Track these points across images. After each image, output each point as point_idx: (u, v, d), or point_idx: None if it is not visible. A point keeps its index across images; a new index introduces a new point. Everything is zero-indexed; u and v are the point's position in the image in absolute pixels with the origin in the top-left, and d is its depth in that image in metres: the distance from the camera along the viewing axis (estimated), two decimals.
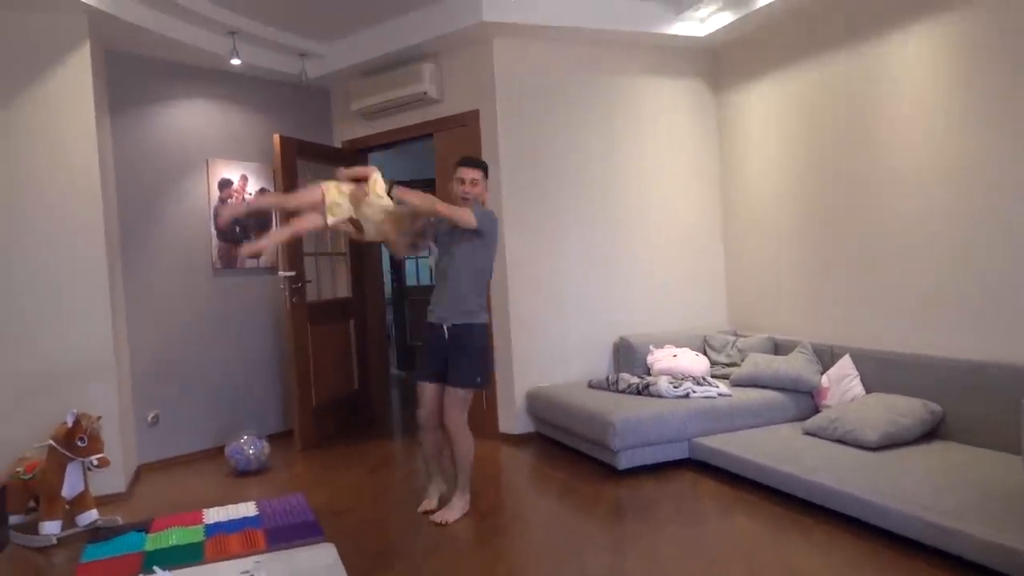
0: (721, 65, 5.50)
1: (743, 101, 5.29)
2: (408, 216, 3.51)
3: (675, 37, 5.16)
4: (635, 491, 3.80)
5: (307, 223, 3.47)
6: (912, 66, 3.99)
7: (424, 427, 3.61)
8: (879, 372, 4.09)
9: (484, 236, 3.50)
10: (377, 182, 3.48)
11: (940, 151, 3.87)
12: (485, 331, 3.60)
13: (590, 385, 4.71)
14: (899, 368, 3.98)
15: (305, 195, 3.52)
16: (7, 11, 3.92)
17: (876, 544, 2.94)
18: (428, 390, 3.58)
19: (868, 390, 4.12)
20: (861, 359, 4.22)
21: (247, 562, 3.09)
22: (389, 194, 3.44)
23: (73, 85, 4.06)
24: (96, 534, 3.56)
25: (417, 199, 3.33)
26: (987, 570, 2.60)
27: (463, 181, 3.57)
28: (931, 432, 3.74)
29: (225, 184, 5.27)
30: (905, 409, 3.67)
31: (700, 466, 4.11)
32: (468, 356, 3.51)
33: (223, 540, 3.37)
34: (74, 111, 4.07)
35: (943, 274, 3.91)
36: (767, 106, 5.06)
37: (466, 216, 3.39)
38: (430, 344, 3.60)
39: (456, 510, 3.54)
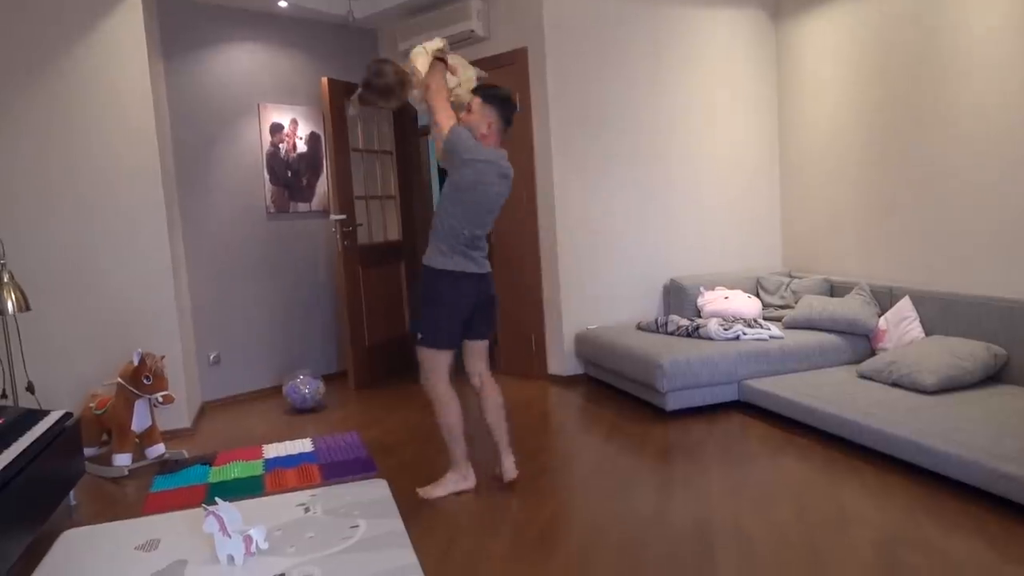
0: None
1: (804, 29, 5.04)
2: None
3: None
4: (683, 432, 3.80)
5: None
6: None
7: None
8: (940, 314, 3.95)
9: (451, 160, 3.04)
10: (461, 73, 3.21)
11: (1014, 83, 3.63)
12: (432, 274, 3.08)
13: (639, 327, 4.68)
14: (961, 310, 3.84)
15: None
16: None
17: (932, 489, 2.89)
18: None
19: (928, 333, 4.00)
20: (921, 301, 4.08)
21: (304, 495, 3.22)
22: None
23: (126, 30, 4.11)
24: (164, 466, 3.76)
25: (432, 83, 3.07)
26: None
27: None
28: (994, 376, 3.62)
29: (276, 128, 5.31)
30: (966, 352, 3.55)
31: (750, 409, 4.08)
32: (421, 301, 3.13)
33: (281, 474, 3.52)
34: (128, 56, 4.12)
35: (1011, 213, 3.71)
36: (829, 34, 4.80)
37: (442, 121, 3.01)
38: None
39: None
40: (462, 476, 3.22)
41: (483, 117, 3.08)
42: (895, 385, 3.64)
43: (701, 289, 4.93)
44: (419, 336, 3.11)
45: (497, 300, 3.28)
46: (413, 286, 5.94)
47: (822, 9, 4.85)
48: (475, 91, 3.18)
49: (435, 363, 3.13)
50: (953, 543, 2.45)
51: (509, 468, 3.24)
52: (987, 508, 2.68)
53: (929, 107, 4.13)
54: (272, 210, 5.29)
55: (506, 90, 3.18)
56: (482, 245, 3.13)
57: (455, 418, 3.16)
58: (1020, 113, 3.62)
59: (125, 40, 4.11)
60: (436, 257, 3.06)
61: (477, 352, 3.26)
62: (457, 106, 3.19)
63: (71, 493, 3.30)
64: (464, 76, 3.25)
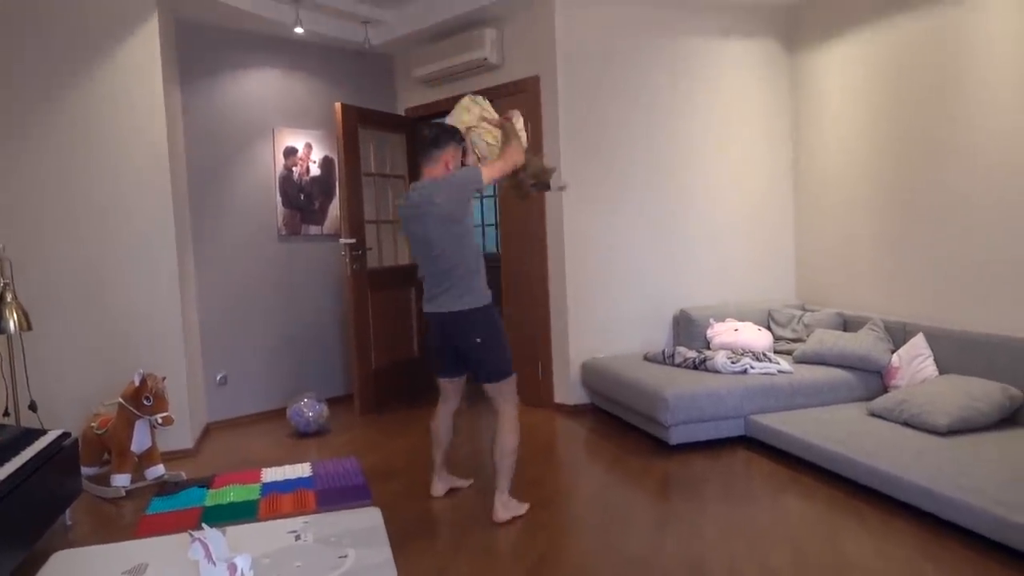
0: (798, 23, 5.20)
1: (820, 62, 5.00)
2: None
3: None
4: (685, 467, 3.72)
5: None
6: (1007, 23, 3.66)
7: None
8: (955, 353, 3.84)
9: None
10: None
11: None
12: (490, 311, 3.27)
13: (646, 358, 4.62)
14: (977, 349, 3.73)
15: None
16: None
17: (938, 536, 2.79)
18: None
19: (942, 371, 3.89)
20: (936, 338, 3.97)
21: (296, 522, 3.19)
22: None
23: (142, 55, 4.18)
24: (162, 488, 3.76)
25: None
26: None
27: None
28: (1009, 419, 3.50)
29: (290, 152, 5.36)
30: (980, 392, 3.44)
31: (756, 445, 3.99)
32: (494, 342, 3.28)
33: (277, 499, 3.50)
34: (144, 80, 4.19)
35: None
36: (846, 67, 4.75)
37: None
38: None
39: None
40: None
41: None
42: (906, 424, 3.54)
43: (711, 320, 4.86)
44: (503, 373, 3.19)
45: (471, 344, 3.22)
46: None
47: (837, 40, 4.80)
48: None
49: (512, 389, 3.23)
50: None
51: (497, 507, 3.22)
52: (994, 559, 2.58)
53: (946, 139, 4.05)
54: (284, 232, 5.33)
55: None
56: (440, 282, 3.19)
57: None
58: None
59: (142, 64, 4.18)
60: (483, 295, 3.15)
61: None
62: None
63: (67, 512, 3.30)
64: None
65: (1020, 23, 3.58)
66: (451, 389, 3.43)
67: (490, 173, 3.13)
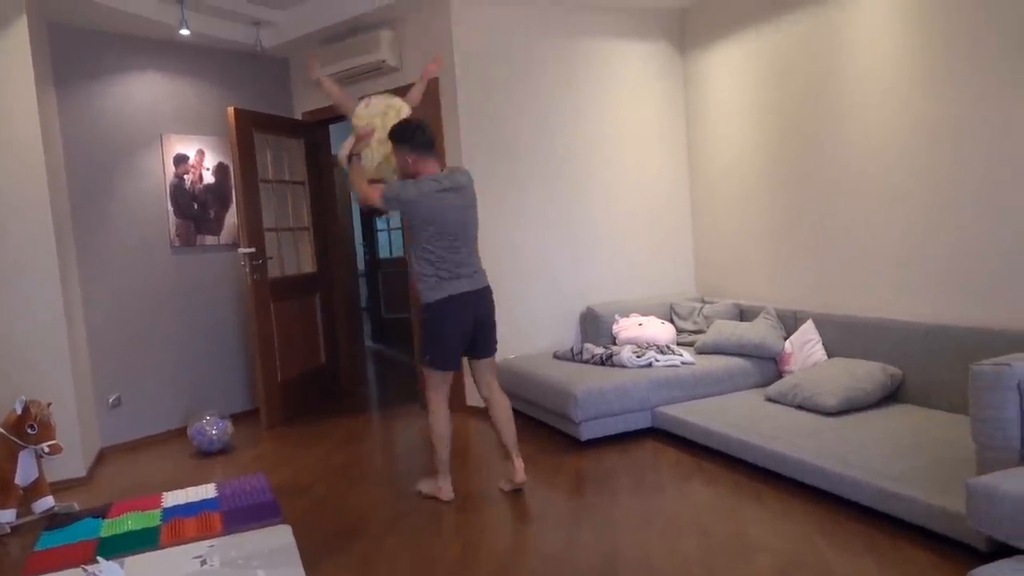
0: (689, 26, 5.39)
1: (710, 63, 5.20)
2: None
3: None
4: (596, 462, 3.80)
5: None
6: (878, 25, 3.91)
7: None
8: (841, 337, 4.09)
9: (404, 210, 3.30)
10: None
11: (906, 113, 3.80)
12: (428, 308, 3.34)
13: (555, 356, 4.68)
14: (860, 332, 3.97)
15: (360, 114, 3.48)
16: None
17: (829, 510, 2.96)
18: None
19: (830, 355, 4.12)
20: (823, 324, 4.21)
21: (201, 546, 3.07)
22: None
23: (10, 59, 3.91)
24: (52, 521, 3.53)
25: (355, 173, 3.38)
26: (932, 534, 2.62)
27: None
28: (891, 396, 3.75)
29: (181, 160, 5.14)
30: (864, 373, 3.67)
31: (663, 435, 4.12)
32: (423, 332, 3.43)
33: (180, 524, 3.35)
34: (13, 86, 3.92)
35: (906, 238, 3.88)
36: (733, 67, 4.97)
37: (370, 196, 3.30)
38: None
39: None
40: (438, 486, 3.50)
41: (401, 158, 3.33)
42: (800, 407, 3.73)
43: (616, 316, 4.98)
44: (426, 358, 3.41)
45: (492, 320, 3.53)
46: (332, 317, 5.81)
47: (723, 43, 5.01)
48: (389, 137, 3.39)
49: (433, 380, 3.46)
50: (846, 565, 2.50)
51: (519, 469, 3.46)
52: (879, 528, 2.76)
53: (827, 137, 4.29)
54: (177, 244, 5.10)
55: (400, 124, 3.36)
56: (470, 262, 3.35)
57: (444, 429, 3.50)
58: (910, 142, 3.80)
59: (10, 67, 3.91)
60: (424, 290, 3.31)
61: (483, 368, 3.57)
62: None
63: None
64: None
65: (886, 24, 3.83)
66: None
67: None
